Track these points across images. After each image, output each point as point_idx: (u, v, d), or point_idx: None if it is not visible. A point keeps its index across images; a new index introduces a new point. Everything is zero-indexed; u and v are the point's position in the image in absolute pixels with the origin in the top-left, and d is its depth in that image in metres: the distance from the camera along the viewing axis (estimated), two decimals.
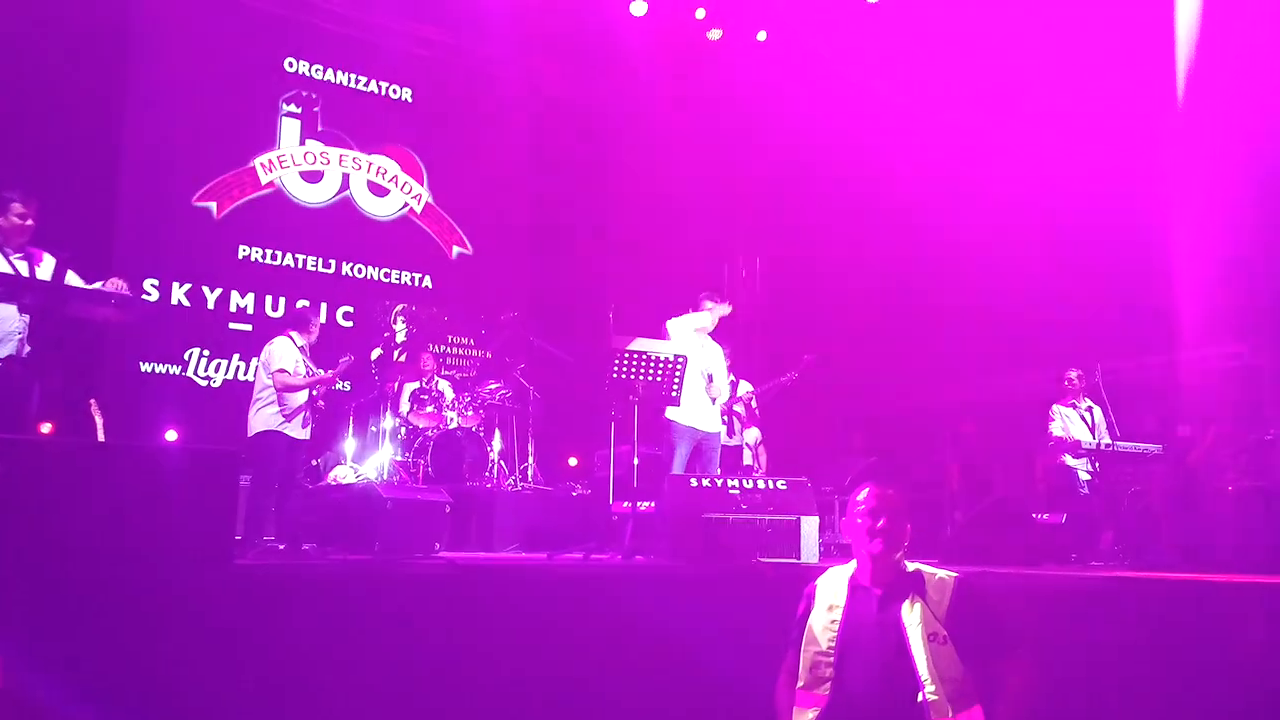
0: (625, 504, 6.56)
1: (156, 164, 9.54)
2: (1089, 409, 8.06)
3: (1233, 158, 7.78)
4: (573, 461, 10.55)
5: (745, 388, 8.44)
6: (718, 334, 7.38)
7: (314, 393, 6.98)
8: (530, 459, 9.43)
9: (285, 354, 6.86)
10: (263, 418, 6.79)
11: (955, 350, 9.69)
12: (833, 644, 3.32)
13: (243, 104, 10.11)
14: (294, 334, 7.05)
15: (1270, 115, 7.53)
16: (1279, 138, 7.47)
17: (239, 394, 8.33)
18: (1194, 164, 8.06)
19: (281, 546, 6.42)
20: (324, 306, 10.17)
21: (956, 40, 9.52)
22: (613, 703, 4.18)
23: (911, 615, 3.25)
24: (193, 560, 3.90)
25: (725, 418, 7.59)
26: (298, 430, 6.88)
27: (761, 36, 10.64)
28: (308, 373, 6.94)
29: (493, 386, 9.36)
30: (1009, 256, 9.18)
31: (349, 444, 8.62)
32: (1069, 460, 7.91)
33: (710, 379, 6.95)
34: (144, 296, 9.11)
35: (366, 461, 8.50)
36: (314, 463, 8.32)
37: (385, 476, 8.24)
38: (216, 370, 9.72)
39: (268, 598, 3.84)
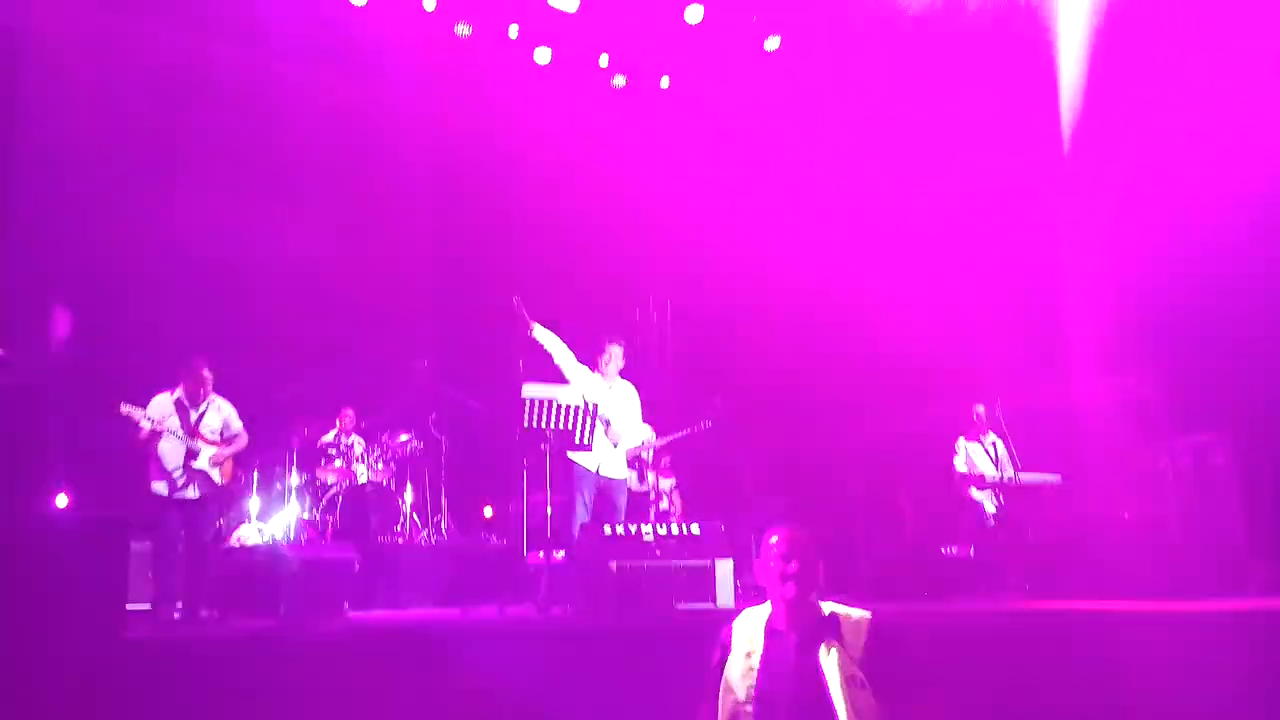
0: (540, 554, 6.45)
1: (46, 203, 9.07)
2: (993, 443, 8.27)
3: (1119, 198, 8.15)
4: (488, 512, 10.38)
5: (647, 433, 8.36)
6: (630, 375, 7.36)
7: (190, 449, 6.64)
8: (443, 511, 9.24)
9: (151, 408, 6.59)
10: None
11: (863, 389, 9.86)
12: (751, 691, 3.28)
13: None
14: (181, 388, 6.75)
15: (1155, 154, 7.88)
16: (1167, 171, 7.81)
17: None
18: (1082, 205, 8.42)
19: (177, 615, 6.12)
20: None
21: (854, 87, 9.81)
22: None
23: (829, 659, 3.23)
24: (82, 635, 3.69)
25: (634, 463, 7.54)
26: (186, 491, 6.56)
27: (665, 83, 10.80)
28: (183, 428, 6.62)
29: (404, 438, 9.16)
30: (911, 296, 9.43)
31: (253, 502, 8.33)
32: (975, 493, 8.09)
33: (608, 424, 6.89)
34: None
35: (272, 520, 8.21)
36: (218, 524, 7.99)
37: (291, 535, 7.97)
38: None
39: (161, 673, 3.64)
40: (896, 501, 8.85)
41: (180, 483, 6.52)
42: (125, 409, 6.36)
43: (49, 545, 3.89)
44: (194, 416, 6.69)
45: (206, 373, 6.80)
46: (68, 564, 3.81)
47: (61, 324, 7.42)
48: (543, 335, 6.83)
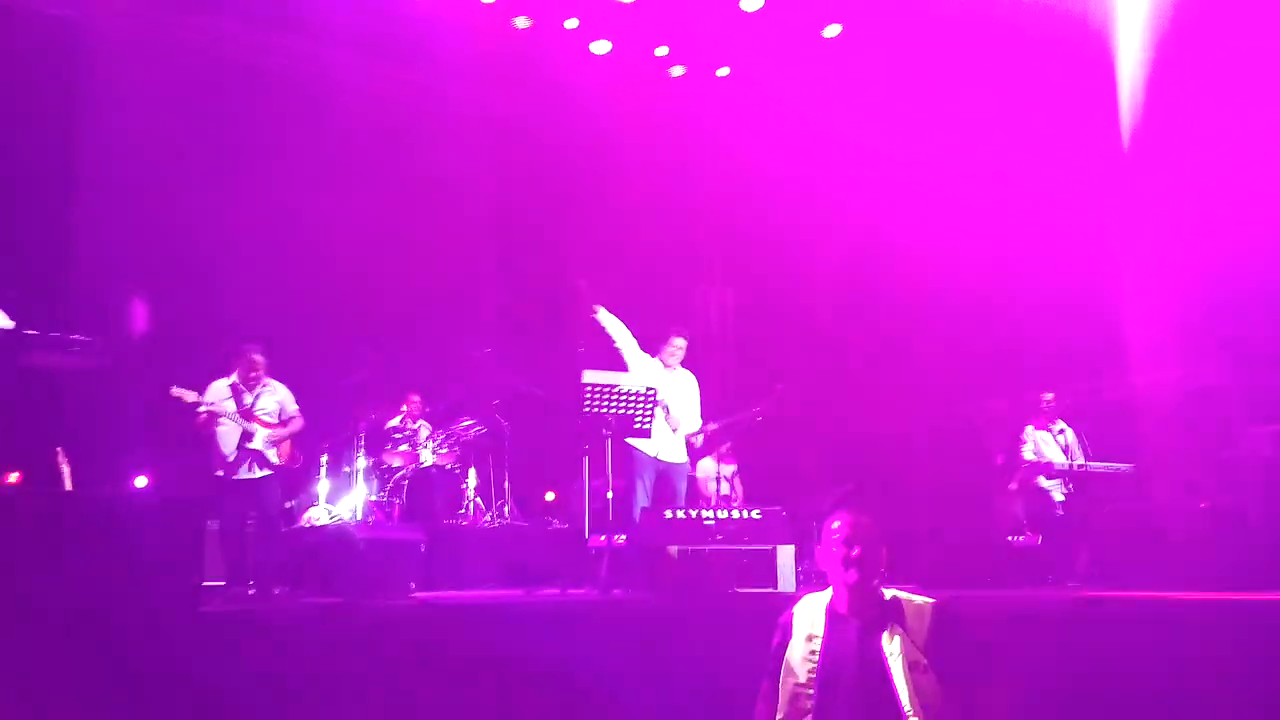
0: (600, 538, 6.50)
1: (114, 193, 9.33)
2: (1061, 431, 8.12)
3: (1181, 189, 7.95)
4: (549, 496, 10.47)
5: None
6: (691, 363, 7.37)
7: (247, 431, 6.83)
8: (506, 495, 9.34)
9: (209, 394, 6.78)
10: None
11: (926, 377, 9.74)
12: (812, 675, 3.28)
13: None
14: (236, 373, 6.97)
15: (1214, 149, 7.69)
16: (1224, 167, 7.62)
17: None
18: (1145, 195, 8.24)
19: (251, 591, 6.31)
20: None
21: (917, 76, 9.66)
22: None
23: (892, 645, 3.22)
24: (159, 608, 3.82)
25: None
26: (243, 472, 6.76)
27: (723, 73, 10.74)
28: (238, 411, 6.81)
29: (467, 423, 9.28)
30: (975, 284, 9.30)
31: (323, 485, 8.51)
32: (1043, 482, 7.95)
33: (667, 410, 6.91)
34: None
35: (340, 502, 8.39)
36: (288, 505, 8.19)
37: (359, 517, 8.14)
38: None
39: (235, 644, 3.76)
40: (962, 489, 8.72)
41: (237, 464, 6.73)
42: (176, 391, 6.59)
43: (129, 524, 4.02)
44: (249, 400, 6.90)
45: (258, 357, 7.00)
46: (147, 542, 3.94)
47: (139, 314, 7.67)
48: (607, 319, 6.89)
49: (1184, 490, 7.47)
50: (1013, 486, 8.16)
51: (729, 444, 9.23)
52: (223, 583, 6.50)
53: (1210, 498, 7.00)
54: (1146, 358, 8.48)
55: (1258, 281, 7.55)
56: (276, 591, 6.17)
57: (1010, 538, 7.73)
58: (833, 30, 9.74)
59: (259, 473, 6.81)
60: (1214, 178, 7.75)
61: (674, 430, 6.96)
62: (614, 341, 6.93)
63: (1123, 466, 7.69)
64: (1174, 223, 8.02)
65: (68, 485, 6.70)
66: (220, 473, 6.75)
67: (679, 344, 7.11)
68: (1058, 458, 7.97)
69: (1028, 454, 8.09)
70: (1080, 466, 7.79)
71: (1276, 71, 7.31)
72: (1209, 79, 7.76)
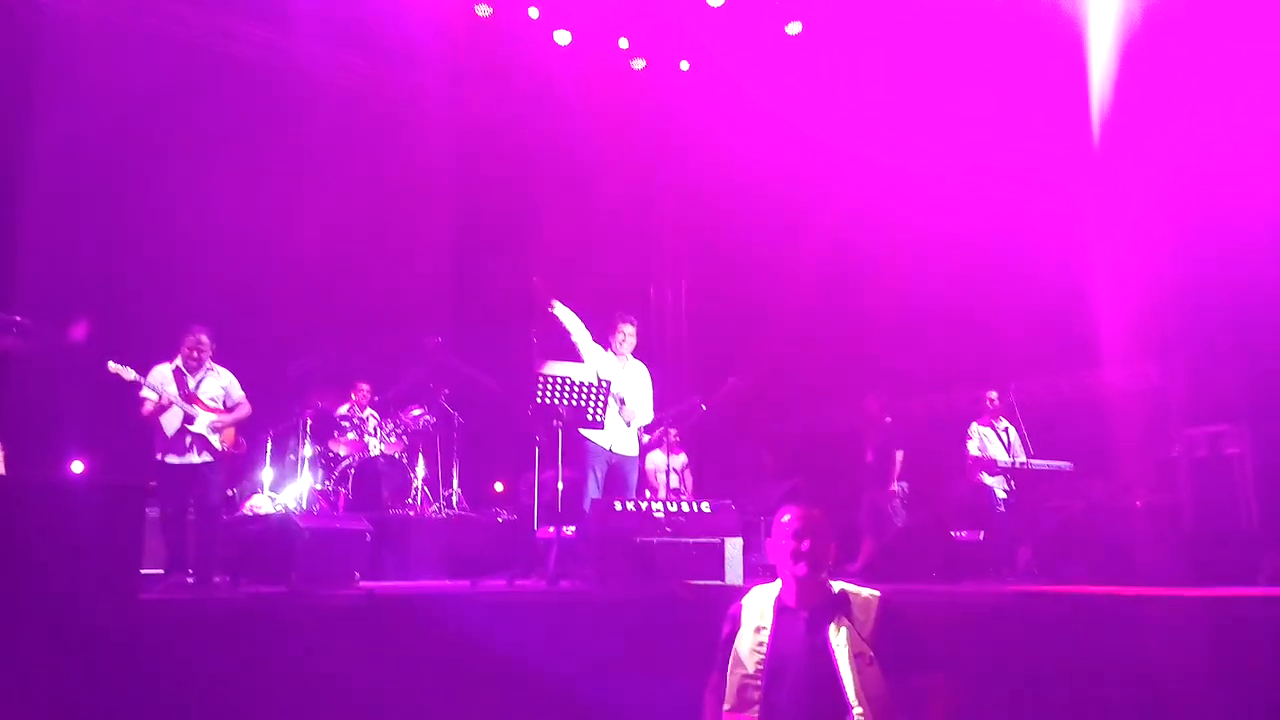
0: (550, 529, 6.48)
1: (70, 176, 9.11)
2: (1005, 429, 8.27)
3: (1144, 190, 8.09)
4: (498, 487, 10.43)
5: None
6: (644, 355, 7.37)
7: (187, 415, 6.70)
8: (454, 485, 9.28)
9: (151, 377, 6.64)
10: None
11: (877, 371, 9.85)
12: (760, 666, 3.30)
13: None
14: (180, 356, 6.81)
15: (1184, 146, 7.83)
16: (1193, 166, 7.75)
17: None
18: (1107, 196, 8.36)
19: (191, 580, 6.18)
20: None
21: (878, 70, 9.73)
22: None
23: (838, 636, 3.25)
24: (96, 595, 3.73)
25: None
26: (185, 457, 6.62)
27: (684, 66, 10.74)
28: (180, 394, 6.66)
29: (416, 412, 9.20)
30: (929, 279, 9.41)
31: (267, 472, 8.38)
32: (986, 478, 8.09)
33: (622, 403, 6.91)
34: None
35: (284, 490, 8.27)
36: (230, 492, 8.05)
37: (304, 505, 8.03)
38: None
39: (174, 634, 3.68)
40: (908, 484, 8.83)
41: (178, 449, 6.57)
42: (114, 367, 6.40)
43: (65, 510, 3.92)
44: (192, 383, 6.74)
45: (204, 338, 6.83)
46: (83, 528, 3.85)
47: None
48: (562, 312, 6.86)
49: (1121, 489, 7.64)
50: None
51: (677, 435, 9.27)
52: (162, 571, 6.37)
53: (1146, 496, 7.18)
54: (1094, 357, 8.65)
55: (1207, 284, 7.70)
56: (217, 580, 6.06)
57: (954, 533, 7.84)
58: (795, 27, 9.77)
59: (201, 458, 6.65)
60: (1176, 176, 7.87)
61: (628, 423, 6.95)
62: (570, 335, 6.90)
63: (1063, 465, 7.85)
64: (1129, 224, 8.15)
65: (0, 469, 6.52)
66: (160, 457, 6.58)
67: (627, 330, 7.10)
68: (1001, 455, 8.11)
69: (972, 449, 8.22)
70: (1022, 464, 7.94)
71: (1246, 68, 7.44)
72: (1179, 74, 7.87)
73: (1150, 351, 8.33)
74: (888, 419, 8.70)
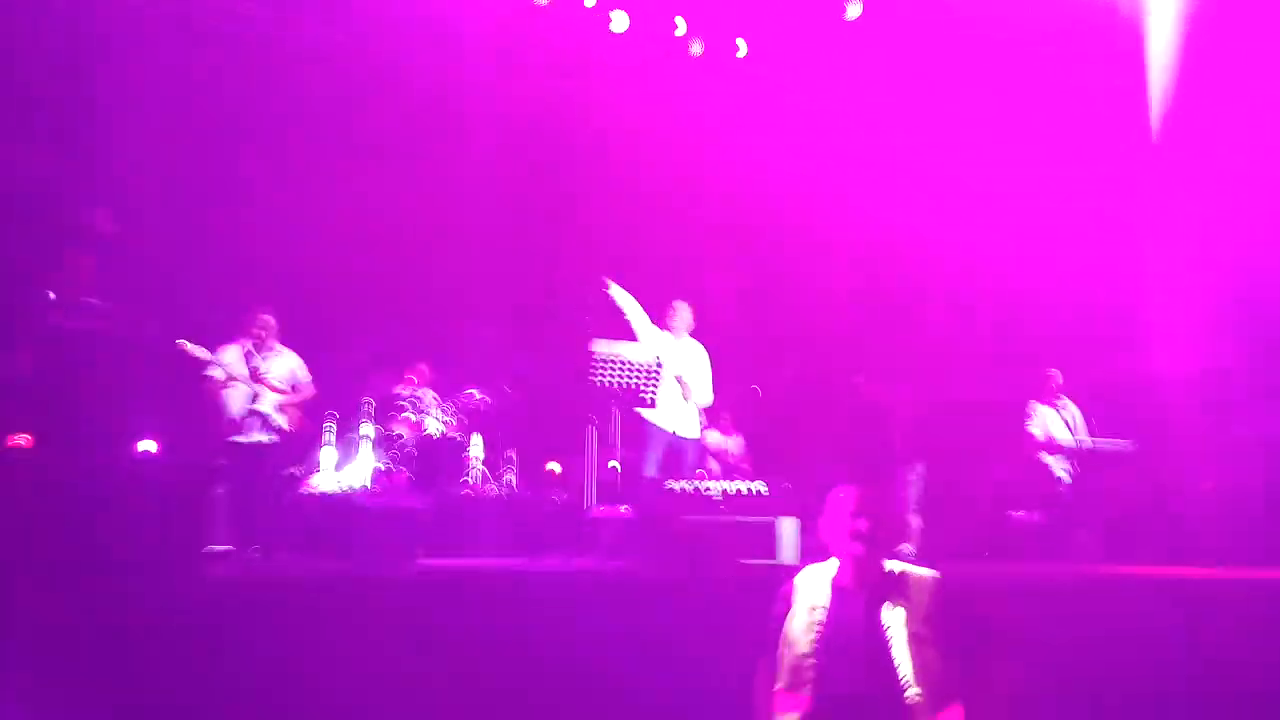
0: (604, 509, 6.52)
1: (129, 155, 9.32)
2: (1066, 408, 8.12)
3: (1205, 180, 7.91)
4: (554, 467, 10.50)
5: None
6: (701, 338, 7.37)
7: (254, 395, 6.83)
8: (511, 465, 9.37)
9: (221, 355, 6.77)
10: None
11: (941, 353, 9.72)
12: (815, 645, 3.30)
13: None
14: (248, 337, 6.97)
15: (1242, 136, 7.64)
16: (1249, 155, 7.57)
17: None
18: (1169, 185, 8.20)
19: (256, 556, 6.33)
20: None
21: (938, 59, 9.57)
22: (595, 708, 4.15)
23: (894, 616, 3.24)
24: (163, 571, 3.85)
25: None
26: (251, 436, 6.77)
27: (742, 50, 10.63)
28: (250, 376, 6.79)
29: (474, 393, 9.30)
30: (990, 264, 9.29)
31: (328, 452, 8.54)
32: (1046, 458, 7.95)
33: (683, 383, 6.93)
34: None
35: (346, 469, 8.42)
36: (293, 471, 8.22)
37: (365, 484, 8.17)
38: None
39: (241, 609, 3.79)
40: (968, 464, 8.71)
41: (244, 428, 6.73)
42: (184, 344, 6.55)
43: (135, 488, 4.04)
44: (259, 363, 6.89)
45: (269, 318, 6.98)
46: (153, 506, 3.96)
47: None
48: (618, 293, 6.89)
49: (1189, 469, 7.48)
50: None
51: (729, 416, 9.27)
52: (228, 547, 6.54)
53: (1214, 477, 7.01)
54: (1160, 336, 8.48)
55: (1267, 267, 7.53)
56: (282, 558, 6.20)
57: (1013, 513, 7.74)
58: (855, 10, 9.61)
59: (266, 437, 6.82)
60: (1237, 169, 7.71)
61: (687, 400, 6.97)
62: (624, 315, 6.93)
63: (1125, 444, 7.69)
64: (1193, 212, 7.99)
65: None
66: (228, 436, 6.75)
67: (682, 309, 7.13)
68: (1063, 434, 7.97)
69: (1033, 429, 8.08)
70: (1084, 444, 7.79)
71: None
72: (1238, 71, 7.70)
73: (1220, 332, 8.14)
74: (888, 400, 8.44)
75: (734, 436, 9.39)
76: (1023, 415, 8.18)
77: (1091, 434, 7.91)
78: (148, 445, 8.40)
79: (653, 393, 6.40)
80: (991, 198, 9.36)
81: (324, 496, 7.52)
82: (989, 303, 9.45)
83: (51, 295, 4.98)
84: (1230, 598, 4.16)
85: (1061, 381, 8.18)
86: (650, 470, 6.77)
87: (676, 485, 6.11)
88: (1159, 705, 3.97)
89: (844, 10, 9.65)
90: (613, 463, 6.42)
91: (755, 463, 9.46)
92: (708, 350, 7.41)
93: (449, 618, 4.19)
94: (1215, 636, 3.96)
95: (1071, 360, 8.33)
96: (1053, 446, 7.92)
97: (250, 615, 3.87)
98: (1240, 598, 4.13)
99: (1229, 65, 7.78)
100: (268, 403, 6.82)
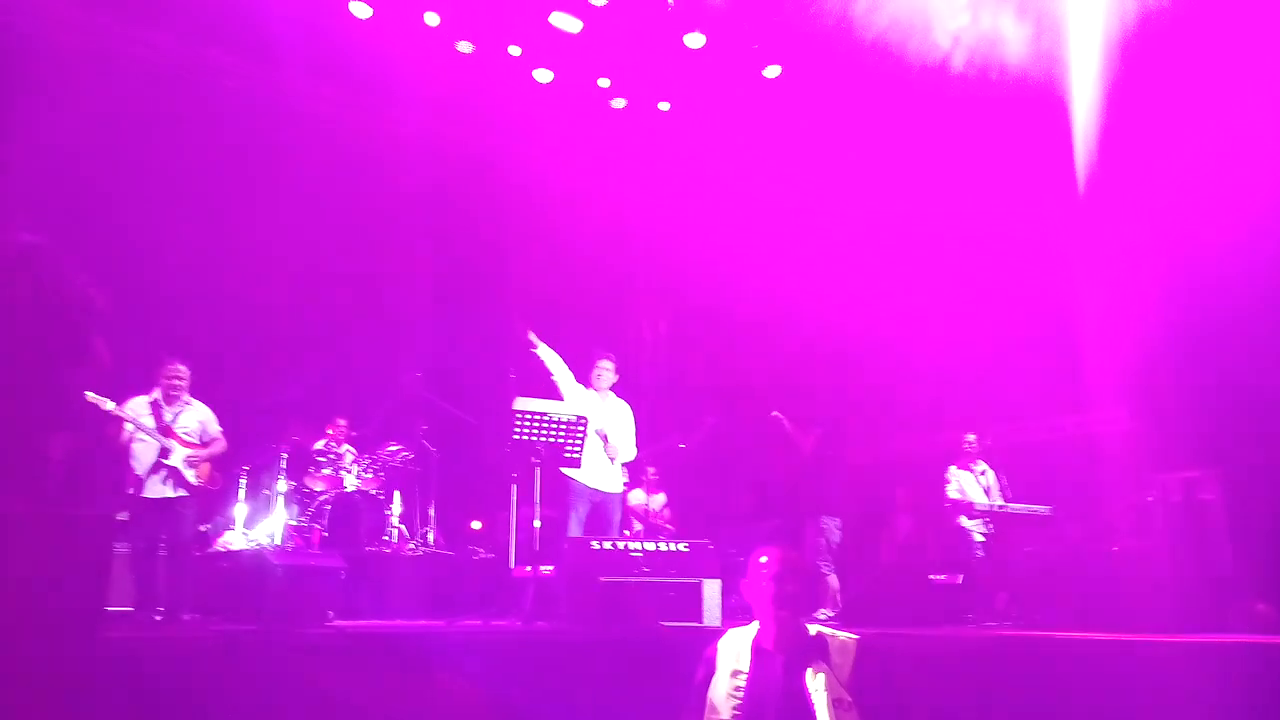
0: (527, 568, 6.42)
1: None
2: (983, 472, 8.29)
3: (1126, 242, 8.21)
4: (476, 525, 10.33)
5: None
6: (624, 393, 7.37)
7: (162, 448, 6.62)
8: (431, 522, 9.18)
9: (128, 408, 6.56)
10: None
11: (855, 415, 9.88)
12: (736, 711, 3.26)
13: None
14: (158, 389, 6.76)
15: (1171, 195, 7.96)
16: (1179, 214, 7.88)
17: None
18: (1086, 245, 8.48)
19: (159, 617, 6.07)
20: None
21: (858, 117, 9.83)
22: None
23: (816, 681, 3.22)
24: (59, 632, 3.65)
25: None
26: (158, 491, 6.53)
27: (664, 107, 10.85)
28: (156, 428, 6.58)
29: (393, 448, 9.12)
30: (910, 324, 9.50)
31: (240, 508, 8.27)
32: (964, 522, 8.09)
33: (606, 439, 6.92)
34: None
35: (258, 526, 8.16)
36: (202, 528, 7.93)
37: (278, 542, 7.92)
38: None
39: (139, 672, 3.60)
40: (886, 527, 8.83)
41: (154, 483, 6.49)
42: (91, 397, 6.33)
43: (31, 541, 3.85)
44: (169, 416, 6.68)
45: (183, 370, 6.78)
46: (49, 560, 3.77)
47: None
48: (545, 352, 6.89)
49: (1098, 533, 7.66)
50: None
51: (656, 473, 9.26)
52: (130, 608, 6.25)
53: (1122, 541, 7.20)
54: (1069, 403, 8.73)
55: (1180, 330, 7.82)
56: (186, 618, 5.95)
57: (932, 576, 7.83)
58: (773, 71, 9.87)
59: (174, 492, 6.56)
60: (1153, 229, 8.01)
61: (612, 460, 6.95)
62: (551, 374, 6.91)
63: (1041, 509, 7.87)
64: (1105, 274, 8.27)
65: None
66: (133, 491, 6.49)
67: (606, 366, 7.15)
68: (979, 498, 8.12)
69: (951, 493, 8.22)
70: (1001, 507, 7.95)
71: (1224, 118, 7.60)
72: (1162, 121, 8.03)
73: (1126, 398, 8.40)
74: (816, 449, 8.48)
75: (657, 494, 9.37)
76: (940, 479, 8.33)
77: (1007, 498, 8.08)
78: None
79: (577, 450, 6.36)
80: (917, 256, 9.60)
81: (234, 554, 7.26)
82: (906, 367, 9.65)
83: None
84: (1137, 661, 4.25)
85: (978, 446, 8.35)
86: (574, 529, 6.70)
87: (600, 544, 6.06)
88: None
89: (762, 70, 9.88)
90: (535, 521, 6.32)
91: (679, 520, 9.45)
92: (632, 407, 7.42)
93: (364, 681, 4.04)
94: (1130, 699, 4.03)
95: (987, 424, 8.53)
96: (969, 509, 8.05)
97: (150, 679, 3.68)
98: (1146, 661, 4.22)
99: (1152, 116, 8.11)
100: (177, 457, 6.59)
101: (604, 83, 10.44)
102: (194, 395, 6.93)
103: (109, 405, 6.42)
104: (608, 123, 10.98)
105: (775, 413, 8.29)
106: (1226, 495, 6.87)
